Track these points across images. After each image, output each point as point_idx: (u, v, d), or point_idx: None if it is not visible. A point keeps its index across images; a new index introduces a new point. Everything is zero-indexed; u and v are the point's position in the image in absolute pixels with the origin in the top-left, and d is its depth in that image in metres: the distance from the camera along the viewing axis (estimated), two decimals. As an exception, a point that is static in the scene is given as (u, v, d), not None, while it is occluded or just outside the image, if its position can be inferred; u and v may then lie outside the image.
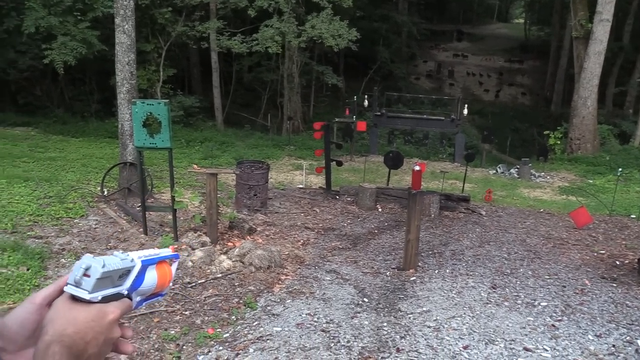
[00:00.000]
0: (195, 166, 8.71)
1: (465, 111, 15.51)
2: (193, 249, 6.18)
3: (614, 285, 5.84)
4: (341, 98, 25.38)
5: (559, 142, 17.24)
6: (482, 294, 5.34)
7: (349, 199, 9.75)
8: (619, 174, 10.27)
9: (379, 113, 16.33)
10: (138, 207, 7.77)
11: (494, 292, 5.43)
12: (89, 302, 0.74)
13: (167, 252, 0.91)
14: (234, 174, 8.67)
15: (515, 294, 5.41)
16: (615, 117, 22.21)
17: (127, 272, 0.80)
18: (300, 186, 10.78)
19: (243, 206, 8.39)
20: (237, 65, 21.97)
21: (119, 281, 0.78)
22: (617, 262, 6.69)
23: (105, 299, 0.76)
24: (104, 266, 0.74)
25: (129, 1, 7.78)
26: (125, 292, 0.80)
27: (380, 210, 9.19)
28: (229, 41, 16.06)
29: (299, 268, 6.06)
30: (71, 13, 13.92)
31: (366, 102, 16.78)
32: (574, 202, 11.17)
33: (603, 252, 7.17)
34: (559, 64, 29.95)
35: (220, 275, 5.63)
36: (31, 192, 7.79)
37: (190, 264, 5.81)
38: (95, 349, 0.73)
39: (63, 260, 5.77)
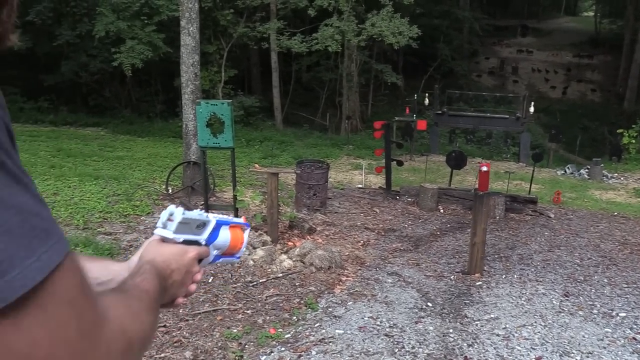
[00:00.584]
0: (256, 165, 8.79)
1: (532, 109, 14.91)
2: (254, 248, 6.20)
3: (702, 296, 5.40)
4: (400, 97, 25.06)
5: (633, 141, 16.27)
6: (554, 302, 5.05)
7: (409, 199, 9.55)
8: None
9: (440, 112, 15.98)
10: (201, 205, 7.91)
11: (567, 300, 5.14)
12: (174, 241, 0.88)
13: (239, 220, 1.06)
14: (294, 174, 8.68)
15: (591, 302, 5.09)
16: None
17: (203, 224, 0.93)
18: (360, 186, 10.68)
19: (303, 205, 8.38)
20: (296, 65, 22.11)
21: (197, 230, 0.92)
22: None
23: (186, 242, 0.90)
24: (184, 213, 0.89)
25: (193, 4, 7.93)
26: (203, 242, 0.93)
27: (442, 211, 8.95)
28: (289, 41, 16.17)
29: (360, 269, 5.97)
30: (138, 17, 14.44)
31: (427, 101, 16.45)
32: (651, 205, 10.51)
33: (688, 259, 6.67)
34: (633, 59, 28.31)
35: (281, 274, 5.62)
36: (101, 190, 8.09)
37: (251, 262, 5.84)
38: (178, 277, 0.87)
39: (131, 256, 5.93)
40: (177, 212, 0.88)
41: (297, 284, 5.37)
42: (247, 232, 1.07)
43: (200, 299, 4.85)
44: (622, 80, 30.20)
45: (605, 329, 4.51)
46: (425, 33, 16.96)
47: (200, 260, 0.94)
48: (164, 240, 0.89)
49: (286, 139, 15.86)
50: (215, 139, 6.17)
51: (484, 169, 5.74)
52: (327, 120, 19.66)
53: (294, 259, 6.01)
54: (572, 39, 39.00)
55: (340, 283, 5.49)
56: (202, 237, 0.93)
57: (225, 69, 17.30)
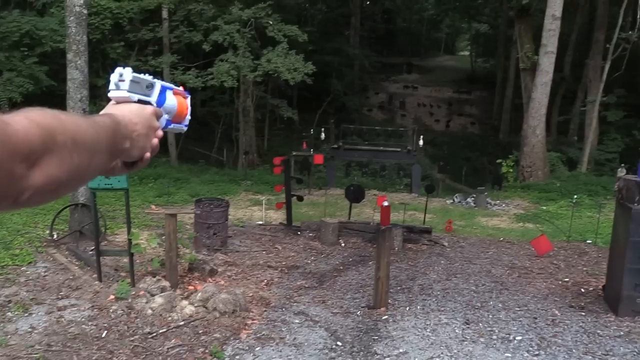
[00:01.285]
0: (153, 207, 8.37)
1: (421, 142, 15.73)
2: (152, 295, 5.81)
3: (583, 314, 5.85)
4: (295, 130, 25.38)
5: (511, 170, 17.68)
6: (457, 331, 5.22)
7: (310, 234, 9.55)
8: (574, 201, 10.52)
9: (336, 146, 16.35)
10: (91, 251, 7.33)
11: (468, 327, 5.33)
12: (129, 99, 0.89)
13: (179, 88, 1.05)
14: (192, 213, 8.36)
15: (489, 328, 5.32)
16: (560, 144, 23.07)
17: (151, 85, 0.94)
18: (260, 222, 10.53)
19: (202, 246, 8.07)
20: (190, 100, 21.64)
21: (147, 90, 0.93)
22: (582, 290, 6.75)
23: (141, 102, 0.91)
24: (133, 72, 0.90)
25: (81, 36, 7.50)
26: (154, 103, 0.94)
27: (343, 245, 9.04)
28: (183, 76, 15.83)
29: (266, 311, 5.80)
30: (18, 48, 13.41)
31: (323, 135, 16.78)
32: (531, 229, 11.36)
33: (567, 279, 7.23)
34: (505, 94, 31.08)
35: (182, 322, 5.30)
36: (-28, 239, 7.24)
37: (149, 312, 5.46)
38: (142, 130, 0.88)
39: (9, 313, 5.31)
40: (127, 72, 0.90)
41: (200, 331, 5.09)
42: (188, 99, 1.08)
43: (93, 358, 4.42)
44: (497, 114, 32.98)
45: (506, 354, 4.72)
46: (318, 69, 17.39)
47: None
48: (118, 102, 0.90)
49: (182, 176, 15.34)
50: (107, 180, 5.78)
51: (385, 203, 5.87)
52: (223, 155, 19.36)
53: (196, 305, 5.71)
54: (452, 76, 42.07)
55: (247, 327, 5.29)
56: (153, 99, 0.94)
57: (115, 104, 16.51)
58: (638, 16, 17.02)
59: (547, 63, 16.42)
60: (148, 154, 0.91)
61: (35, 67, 13.48)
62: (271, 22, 16.17)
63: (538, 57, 16.76)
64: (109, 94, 0.90)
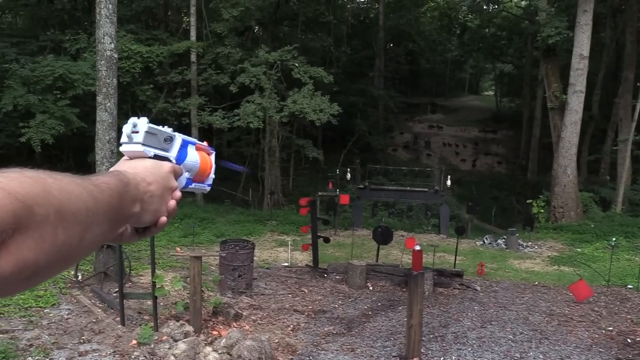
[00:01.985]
0: (178, 249, 8.27)
1: (449, 182, 15.47)
2: (175, 341, 5.63)
3: (632, 367, 5.46)
4: (321, 170, 25.37)
5: (542, 211, 17.21)
6: (496, 385, 4.89)
7: (337, 277, 9.30)
8: (613, 243, 10.08)
9: (362, 186, 16.19)
10: (115, 292, 7.22)
11: (508, 381, 4.99)
12: (144, 154, 0.78)
13: (203, 143, 0.95)
14: (217, 255, 8.22)
15: (532, 383, 4.98)
16: (592, 184, 22.50)
17: (170, 138, 0.83)
18: (286, 264, 10.33)
19: (227, 288, 7.89)
20: (217, 140, 21.92)
21: (165, 144, 0.82)
22: (629, 340, 6.33)
23: (157, 158, 0.79)
24: (148, 122, 0.78)
25: (111, 79, 7.60)
26: (173, 160, 0.83)
27: (371, 288, 8.76)
28: (210, 117, 16.03)
29: (292, 359, 5.55)
30: (51, 91, 13.76)
31: (349, 175, 16.67)
32: (567, 272, 10.91)
33: (611, 328, 6.81)
34: (532, 133, 30.71)
35: (206, 371, 5.08)
36: (-2, 281, 7.20)
37: (172, 358, 5.26)
38: (157, 190, 0.75)
39: (30, 358, 5.17)
40: (141, 122, 0.79)
41: (224, 381, 4.85)
42: (212, 156, 0.97)
43: (113, 409, 4.22)
44: (524, 153, 32.54)
45: (551, 413, 4.37)
46: (343, 109, 17.46)
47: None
48: (131, 157, 0.79)
49: (207, 216, 15.31)
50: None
51: (417, 248, 5.64)
52: (249, 195, 19.35)
53: (220, 352, 5.49)
54: (477, 116, 41.92)
55: (273, 377, 5.04)
56: (172, 154, 0.84)
57: (143, 145, 16.75)
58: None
59: (576, 102, 16.17)
60: (164, 219, 0.79)
61: (67, 109, 13.78)
62: (297, 65, 16.35)
63: (566, 96, 16.54)
64: (121, 148, 0.79)
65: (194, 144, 0.91)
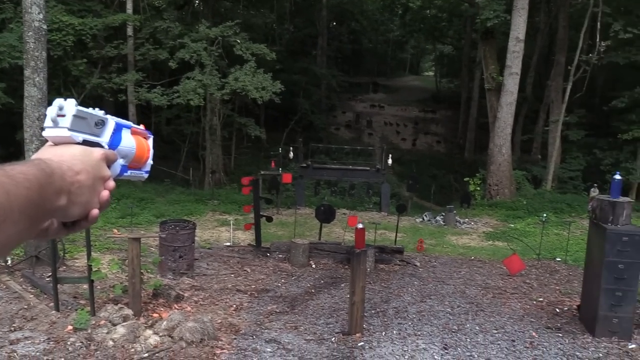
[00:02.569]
0: (115, 231, 8.00)
1: (390, 161, 15.70)
2: (114, 325, 5.46)
3: (560, 335, 5.77)
4: (263, 149, 25.16)
5: (478, 188, 17.83)
6: (436, 357, 5.05)
7: (280, 255, 9.30)
8: (543, 219, 10.59)
9: (304, 165, 16.17)
10: (48, 277, 6.91)
11: (447, 353, 5.16)
12: (71, 139, 0.71)
13: (139, 126, 0.89)
14: (157, 237, 8.01)
15: (469, 354, 5.17)
16: (525, 162, 23.50)
17: (102, 122, 0.77)
18: (228, 244, 10.22)
19: (168, 270, 7.72)
20: (155, 118, 21.25)
21: (96, 129, 0.76)
22: (557, 310, 6.69)
23: (87, 144, 0.73)
24: (77, 105, 0.72)
25: (40, 52, 7.16)
26: (106, 146, 0.77)
27: (314, 266, 8.81)
28: (149, 94, 15.47)
29: (235, 339, 5.51)
30: (-27, 65, 12.86)
31: (291, 154, 16.60)
32: (501, 247, 11.38)
33: (541, 299, 7.18)
34: (470, 114, 31.62)
35: (146, 354, 4.97)
36: None
37: (111, 343, 5.10)
38: (87, 180, 0.69)
39: (-46, 349, 4.88)
40: (68, 104, 0.71)
41: (166, 364, 4.76)
42: (150, 140, 0.93)
43: (48, 397, 4.06)
44: (462, 132, 33.51)
45: (486, 381, 4.56)
46: (285, 88, 17.29)
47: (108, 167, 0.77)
48: (56, 143, 0.71)
49: (146, 196, 14.87)
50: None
51: (360, 226, 5.69)
52: (189, 175, 18.93)
53: (161, 334, 5.38)
54: (417, 96, 42.68)
55: (216, 357, 4.99)
56: (104, 140, 0.77)
57: (77, 122, 15.98)
58: (597, 39, 17.54)
59: (511, 84, 16.72)
60: (96, 211, 0.72)
61: (-8, 83, 12.94)
62: (238, 41, 16.01)
63: (503, 78, 17.07)
64: (44, 133, 0.71)
65: (129, 127, 0.84)
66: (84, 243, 6.87)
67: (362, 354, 5.10)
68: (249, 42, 16.39)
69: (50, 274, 6.54)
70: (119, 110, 20.28)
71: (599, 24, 17.30)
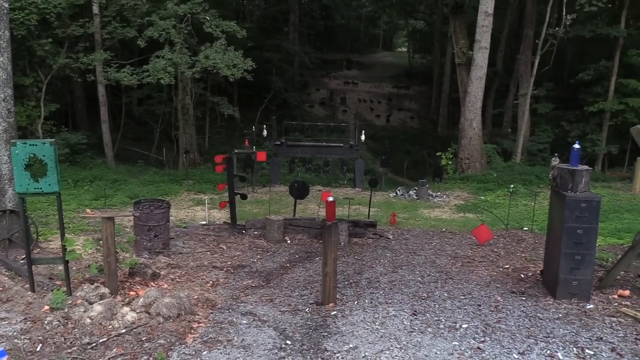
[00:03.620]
0: (88, 211, 7.99)
1: (363, 137, 15.84)
2: (90, 303, 5.53)
3: (524, 298, 6.04)
4: (237, 128, 25.07)
5: (450, 163, 18.15)
6: (405, 322, 5.26)
7: (256, 232, 9.42)
8: (511, 190, 10.90)
9: (278, 142, 16.22)
10: (22, 259, 6.91)
11: (416, 318, 5.38)
12: None
13: None
14: (131, 216, 8.04)
15: (436, 318, 5.40)
16: (496, 136, 23.93)
17: None
18: (204, 223, 10.29)
19: (143, 249, 7.78)
20: (126, 98, 20.95)
21: None
22: (522, 275, 6.97)
23: None
24: None
25: (3, 32, 7.02)
26: None
27: (289, 242, 8.96)
28: (118, 73, 15.23)
29: (212, 313, 5.64)
30: None
31: (265, 132, 16.61)
32: (471, 219, 11.70)
33: (507, 266, 7.46)
34: (442, 89, 31.91)
35: (124, 330, 5.06)
36: None
37: (88, 321, 5.18)
38: None
39: None
40: None
41: (143, 338, 4.87)
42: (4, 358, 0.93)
43: (27, 373, 4.14)
44: (435, 108, 33.84)
45: (453, 342, 4.79)
46: (258, 66, 17.20)
47: None
48: None
49: (119, 177, 14.79)
50: (36, 183, 5.43)
51: (330, 199, 5.83)
52: (163, 155, 18.82)
53: (138, 311, 5.47)
54: (391, 72, 42.79)
55: (192, 331, 5.12)
56: None
57: (45, 104, 15.69)
58: (564, 13, 17.83)
59: (481, 58, 16.94)
60: None
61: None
62: (208, 18, 15.82)
63: (472, 53, 17.26)
64: None
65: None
66: (57, 226, 6.88)
67: (334, 322, 5.29)
68: (218, 20, 16.21)
69: (24, 256, 6.55)
70: (88, 92, 19.96)
71: (565, -3, 17.56)
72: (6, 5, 7.25)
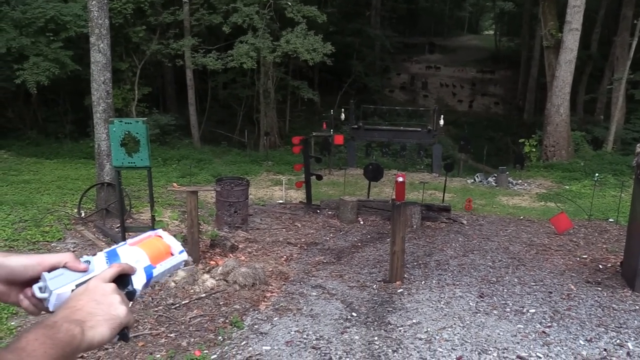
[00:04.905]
0: (175, 184, 8.58)
1: (442, 122, 15.61)
2: (175, 269, 6.03)
3: (599, 289, 5.88)
4: (317, 112, 25.44)
5: (534, 150, 17.49)
6: (471, 304, 5.31)
7: (330, 212, 9.69)
8: (596, 179, 10.41)
9: (356, 126, 16.31)
10: (117, 228, 7.60)
11: (482, 301, 5.41)
12: (64, 298, 0.82)
13: (144, 234, 0.97)
14: (214, 191, 8.55)
15: (503, 302, 5.40)
16: (587, 123, 22.66)
17: (87, 262, 0.87)
18: (281, 201, 10.70)
19: (224, 223, 8.27)
20: (212, 82, 21.88)
21: (83, 271, 0.86)
22: (600, 266, 6.75)
23: (78, 285, 0.83)
24: (48, 278, 0.83)
25: (103, 20, 7.67)
26: (91, 276, 0.85)
27: (362, 223, 9.15)
28: (204, 58, 15.99)
29: (284, 284, 5.96)
30: (43, 34, 13.71)
31: (343, 116, 16.79)
32: (552, 208, 11.30)
33: (585, 256, 7.23)
34: (530, 74, 30.52)
35: (204, 295, 5.50)
36: (6, 217, 7.56)
37: (172, 284, 5.67)
38: (89, 302, 0.79)
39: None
40: (43, 281, 0.83)
41: (221, 303, 5.28)
42: (165, 233, 0.99)
43: (120, 326, 4.64)
44: (521, 93, 32.47)
45: (518, 325, 4.80)
46: (338, 50, 17.37)
47: (125, 283, 0.87)
48: (58, 305, 0.81)
49: (204, 157, 15.60)
50: (130, 158, 5.97)
51: (400, 179, 5.94)
52: (245, 137, 19.56)
53: (216, 278, 5.91)
54: (475, 56, 41.43)
55: (265, 299, 5.46)
56: (96, 272, 0.86)
57: (139, 87, 16.79)
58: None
59: (571, 40, 16.11)
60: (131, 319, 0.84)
61: (61, 51, 13.77)
62: (290, 3, 16.17)
63: (562, 35, 16.45)
64: (49, 307, 0.83)
65: (124, 244, 0.94)
66: (148, 200, 7.49)
67: (400, 299, 5.44)
68: (300, 5, 16.51)
69: (118, 225, 7.21)
70: (177, 76, 21.06)
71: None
72: (106, -5, 7.88)
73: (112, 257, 0.89)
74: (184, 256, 0.98)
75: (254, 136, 20.53)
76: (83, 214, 8.16)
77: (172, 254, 0.96)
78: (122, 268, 0.86)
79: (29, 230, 7.14)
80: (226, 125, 22.70)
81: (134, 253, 0.91)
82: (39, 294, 0.83)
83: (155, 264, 0.92)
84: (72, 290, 0.82)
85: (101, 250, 0.91)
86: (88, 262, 0.87)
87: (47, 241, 6.95)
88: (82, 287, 0.82)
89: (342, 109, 17.44)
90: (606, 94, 23.04)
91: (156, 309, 5.04)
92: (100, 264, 0.87)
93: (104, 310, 0.79)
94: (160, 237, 0.98)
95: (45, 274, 0.83)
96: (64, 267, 0.86)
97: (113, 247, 0.92)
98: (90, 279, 0.84)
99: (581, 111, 25.45)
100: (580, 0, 15.85)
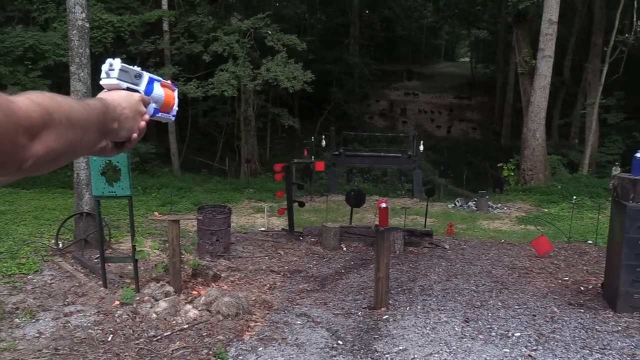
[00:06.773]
0: (156, 214, 8.48)
1: (422, 147, 15.81)
2: (156, 300, 5.91)
3: (582, 310, 5.92)
4: (297, 139, 25.55)
5: (512, 174, 17.74)
6: (456, 329, 5.30)
7: (312, 239, 9.65)
8: (574, 202, 10.59)
9: (337, 152, 16.45)
10: (96, 258, 7.45)
11: (468, 325, 5.41)
12: (119, 86, 0.99)
13: (167, 80, 1.16)
14: (195, 220, 8.47)
15: (489, 326, 5.40)
16: (562, 147, 23.14)
17: (139, 75, 1.04)
18: (263, 229, 10.63)
19: (205, 252, 8.17)
20: (192, 110, 21.89)
21: (135, 80, 1.03)
22: (582, 288, 6.81)
23: (129, 90, 1.01)
24: (122, 62, 1.01)
25: (84, 49, 7.66)
26: (142, 92, 1.04)
27: (345, 249, 9.13)
28: (185, 86, 16.01)
29: (268, 313, 5.89)
30: (22, 62, 13.62)
31: (324, 142, 16.90)
32: (532, 231, 11.42)
33: (567, 278, 7.30)
34: (506, 99, 31.18)
35: (186, 325, 5.39)
36: (-21, 249, 7.36)
37: (154, 315, 5.56)
38: (130, 112, 0.98)
39: (17, 320, 5.41)
40: (116, 62, 1.00)
41: (204, 334, 5.18)
42: (176, 92, 1.18)
43: (99, 360, 4.52)
44: (498, 118, 33.09)
45: (504, 350, 4.79)
46: (318, 78, 17.56)
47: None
48: (109, 89, 1.00)
49: (185, 185, 15.48)
50: (111, 187, 5.90)
51: (383, 205, 5.96)
52: (226, 165, 19.50)
53: (199, 309, 5.81)
54: (452, 82, 42.24)
55: (249, 329, 5.37)
56: (141, 88, 1.04)
57: (118, 116, 16.71)
58: (634, 19, 17.15)
59: (545, 67, 16.55)
60: (135, 135, 1.01)
61: (39, 80, 13.68)
62: (270, 32, 16.37)
63: (536, 61, 16.89)
64: (101, 82, 1.00)
65: (159, 81, 1.11)
66: (128, 229, 7.37)
67: (386, 325, 5.40)
68: (280, 34, 16.74)
69: (97, 256, 7.07)
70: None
71: (636, 2, 16.89)
72: (87, 25, 7.89)
73: (150, 84, 1.07)
74: (173, 118, 1.19)
75: (235, 164, 20.50)
76: (61, 245, 7.99)
77: (171, 110, 1.16)
78: (144, 101, 1.04)
79: (4, 262, 6.96)
80: (206, 153, 22.65)
81: (159, 93, 1.10)
82: (104, 75, 1.00)
83: (161, 110, 1.12)
84: (124, 88, 1.00)
85: (144, 75, 1.06)
86: (140, 75, 1.04)
87: (24, 273, 6.78)
88: (128, 93, 1.00)
89: (323, 136, 17.56)
90: (580, 119, 23.61)
91: (137, 342, 4.92)
92: (143, 83, 1.05)
93: (132, 124, 0.99)
94: (174, 91, 1.17)
95: (114, 62, 1.00)
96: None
97: (154, 77, 1.09)
98: (135, 90, 1.02)
99: (556, 135, 26.00)
100: (552, 28, 16.34)
